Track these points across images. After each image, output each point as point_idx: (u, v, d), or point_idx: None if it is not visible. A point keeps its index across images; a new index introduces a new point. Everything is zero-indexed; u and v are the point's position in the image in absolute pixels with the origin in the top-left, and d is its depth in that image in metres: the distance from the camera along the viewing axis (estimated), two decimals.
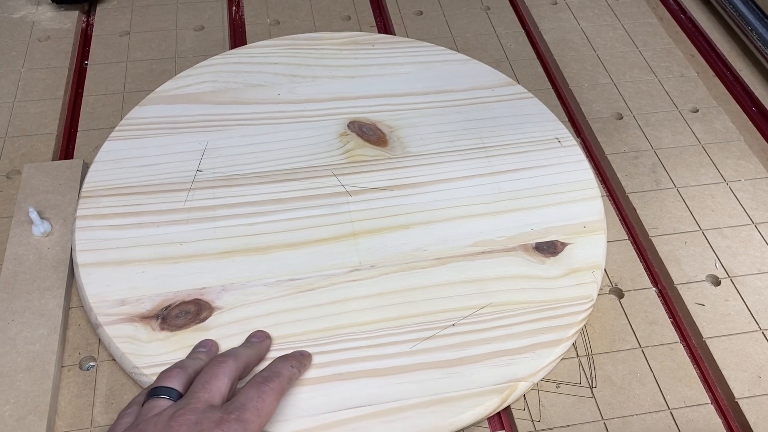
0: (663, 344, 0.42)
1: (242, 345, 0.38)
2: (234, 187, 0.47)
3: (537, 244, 0.44)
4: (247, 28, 0.63)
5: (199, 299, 0.41)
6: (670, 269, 0.46)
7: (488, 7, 0.66)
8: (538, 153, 0.50)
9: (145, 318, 0.40)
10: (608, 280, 0.45)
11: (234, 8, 0.66)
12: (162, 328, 0.39)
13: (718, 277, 0.45)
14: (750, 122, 0.58)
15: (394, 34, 0.62)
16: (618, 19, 0.65)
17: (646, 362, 0.41)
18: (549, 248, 0.44)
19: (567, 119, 0.56)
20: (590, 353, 0.42)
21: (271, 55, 0.57)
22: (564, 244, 0.45)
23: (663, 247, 0.47)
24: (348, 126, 0.51)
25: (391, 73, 0.56)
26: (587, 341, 0.42)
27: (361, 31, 0.62)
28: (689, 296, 0.44)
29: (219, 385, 0.33)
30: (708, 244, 0.47)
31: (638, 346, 0.42)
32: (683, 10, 0.68)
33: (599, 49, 0.62)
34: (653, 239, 0.47)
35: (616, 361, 0.41)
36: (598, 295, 0.44)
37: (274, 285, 0.42)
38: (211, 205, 0.46)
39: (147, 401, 0.33)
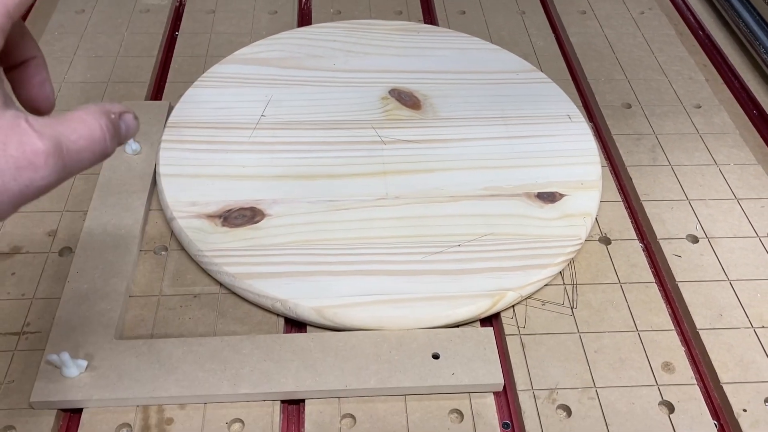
0: (640, 282, 0.49)
1: None
2: (290, 130, 0.56)
3: (539, 192, 0.52)
4: (313, 15, 0.74)
5: (255, 207, 0.50)
6: (655, 227, 0.53)
7: (524, 11, 0.75)
8: (550, 125, 0.58)
9: (210, 216, 0.49)
10: (599, 230, 0.53)
11: (303, 1, 0.76)
12: (223, 225, 0.49)
13: (697, 237, 0.52)
14: (749, 122, 0.64)
15: None
16: (639, 29, 0.73)
17: (622, 294, 0.48)
18: (548, 197, 0.52)
19: (581, 105, 0.64)
20: (575, 282, 0.49)
21: (331, 34, 0.67)
22: (562, 195, 0.52)
23: (651, 210, 0.54)
24: (389, 92, 0.61)
25: (431, 55, 0.65)
26: (573, 273, 0.49)
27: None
28: (669, 249, 0.51)
29: None
30: (692, 211, 0.54)
31: (617, 281, 0.49)
32: (701, 27, 0.76)
33: (619, 52, 0.70)
34: (644, 203, 0.55)
35: (597, 291, 0.49)
36: (588, 240, 0.51)
37: (316, 203, 0.51)
38: (270, 140, 0.55)
39: None
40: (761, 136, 0.63)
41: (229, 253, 0.47)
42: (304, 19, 0.74)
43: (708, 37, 0.75)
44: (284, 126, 0.57)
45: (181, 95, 0.61)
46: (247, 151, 0.54)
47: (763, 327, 0.46)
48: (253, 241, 0.48)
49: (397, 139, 0.56)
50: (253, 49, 0.65)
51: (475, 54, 0.65)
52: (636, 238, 0.53)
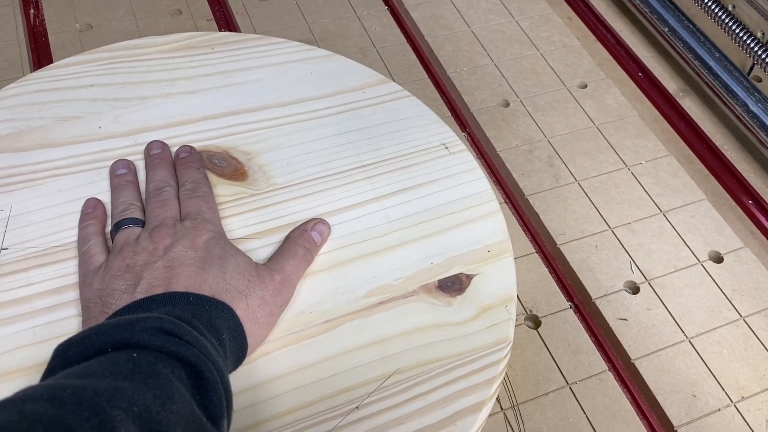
0: (591, 376, 0.38)
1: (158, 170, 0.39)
2: (54, 265, 0.36)
3: (440, 281, 0.38)
4: (51, 37, 0.50)
5: None
6: (585, 281, 0.41)
7: None
8: (425, 165, 0.43)
9: None
10: (522, 307, 0.40)
11: (32, 11, 0.52)
12: None
13: (636, 283, 0.41)
14: (639, 91, 0.54)
15: (238, 29, 0.52)
16: None
17: (576, 402, 0.37)
18: (454, 285, 0.38)
19: (450, 113, 0.50)
20: (515, 403, 0.36)
21: (84, 76, 0.45)
22: (470, 277, 0.38)
23: (574, 256, 0.42)
24: None
25: (239, 82, 0.46)
26: (510, 389, 0.37)
27: (196, 27, 0.52)
28: (610, 311, 0.40)
29: (171, 206, 0.37)
30: (620, 245, 0.43)
31: (565, 383, 0.37)
32: None
33: (473, 23, 0.55)
34: (562, 248, 0.42)
35: (544, 407, 0.36)
36: (515, 326, 0.39)
37: None
38: (26, 294, 0.35)
39: (117, 233, 0.35)
40: (655, 106, 0.53)
41: None
42: (39, 46, 0.50)
43: None
44: (42, 260, 0.36)
45: None
46: None
47: (742, 399, 0.37)
48: None
49: None
50: None
51: (300, 69, 0.47)
52: (567, 303, 0.41)
